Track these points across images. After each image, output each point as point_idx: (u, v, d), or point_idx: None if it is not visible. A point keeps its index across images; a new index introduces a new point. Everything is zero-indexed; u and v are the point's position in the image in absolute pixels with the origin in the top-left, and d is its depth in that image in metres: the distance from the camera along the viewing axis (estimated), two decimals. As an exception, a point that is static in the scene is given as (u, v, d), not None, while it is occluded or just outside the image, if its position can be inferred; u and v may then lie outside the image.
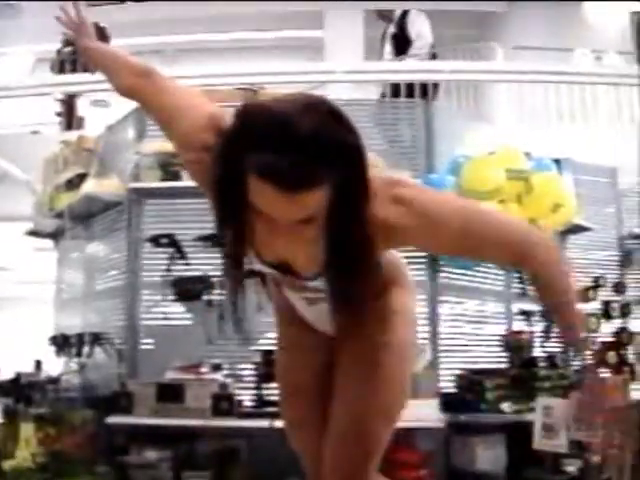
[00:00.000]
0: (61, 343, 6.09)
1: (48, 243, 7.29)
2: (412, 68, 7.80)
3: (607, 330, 6.40)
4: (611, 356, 6.25)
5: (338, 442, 2.25)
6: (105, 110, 8.82)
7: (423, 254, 5.21)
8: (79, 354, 5.87)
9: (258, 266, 2.11)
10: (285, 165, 1.70)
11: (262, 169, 1.72)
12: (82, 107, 9.59)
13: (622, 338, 6.35)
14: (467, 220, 2.03)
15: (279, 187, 1.72)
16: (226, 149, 1.82)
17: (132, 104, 6.28)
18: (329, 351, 2.39)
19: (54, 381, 5.95)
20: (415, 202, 1.97)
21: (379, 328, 2.29)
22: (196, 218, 5.40)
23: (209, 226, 5.55)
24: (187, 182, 5.32)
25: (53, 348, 6.17)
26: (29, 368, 6.42)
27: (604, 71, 7.82)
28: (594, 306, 6.44)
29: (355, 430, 2.24)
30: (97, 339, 5.77)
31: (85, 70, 7.36)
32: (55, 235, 6.95)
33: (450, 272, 5.60)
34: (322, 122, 1.75)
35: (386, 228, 1.95)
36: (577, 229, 6.26)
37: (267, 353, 5.06)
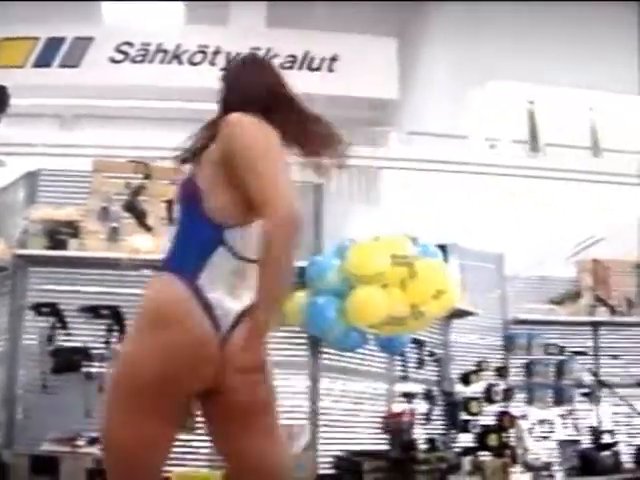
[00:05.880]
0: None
1: None
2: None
3: (489, 413, 6.56)
4: (492, 439, 6.38)
5: None
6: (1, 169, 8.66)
7: (304, 334, 5.26)
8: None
9: None
10: None
11: None
12: (-24, 166, 9.35)
13: (504, 422, 6.50)
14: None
15: None
16: None
17: (27, 166, 6.17)
18: None
19: None
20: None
21: None
22: (80, 288, 5.38)
23: (92, 297, 5.50)
24: (73, 252, 5.29)
25: None
26: None
27: (494, 161, 8.06)
28: (477, 389, 6.59)
29: None
30: (-27, 405, 5.60)
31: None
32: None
33: (332, 353, 5.64)
34: None
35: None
36: (461, 313, 6.39)
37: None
